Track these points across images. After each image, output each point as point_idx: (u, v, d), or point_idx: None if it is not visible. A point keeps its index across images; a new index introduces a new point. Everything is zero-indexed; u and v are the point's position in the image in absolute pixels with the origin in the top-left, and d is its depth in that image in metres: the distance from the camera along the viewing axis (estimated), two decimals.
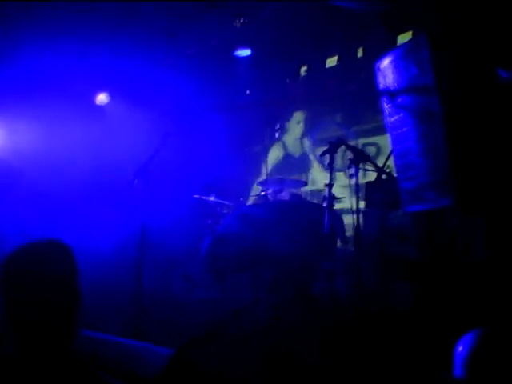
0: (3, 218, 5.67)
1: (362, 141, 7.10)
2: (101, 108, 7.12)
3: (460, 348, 1.71)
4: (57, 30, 5.70)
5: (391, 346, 3.40)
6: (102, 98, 7.12)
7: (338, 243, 5.11)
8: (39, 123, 6.17)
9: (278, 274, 4.13)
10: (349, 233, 5.25)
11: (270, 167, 7.33)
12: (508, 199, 2.95)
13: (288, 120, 8.11)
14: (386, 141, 6.50)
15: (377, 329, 3.58)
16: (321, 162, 7.30)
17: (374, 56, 3.85)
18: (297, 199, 5.80)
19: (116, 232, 5.84)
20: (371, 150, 6.89)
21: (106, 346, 2.11)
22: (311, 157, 7.84)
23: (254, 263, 4.46)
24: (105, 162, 6.36)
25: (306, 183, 6.30)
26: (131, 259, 3.95)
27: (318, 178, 7.46)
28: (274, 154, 8.18)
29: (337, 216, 5.19)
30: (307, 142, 7.91)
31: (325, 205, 3.85)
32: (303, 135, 8.01)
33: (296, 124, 8.10)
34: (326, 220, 3.57)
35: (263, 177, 6.30)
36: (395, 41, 6.15)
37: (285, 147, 8.17)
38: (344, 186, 6.00)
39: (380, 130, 6.68)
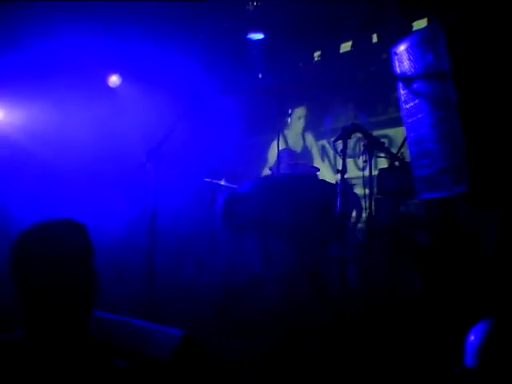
0: (16, 199, 5.70)
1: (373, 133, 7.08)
2: (113, 90, 7.12)
3: (472, 337, 1.70)
4: (70, 12, 5.69)
5: (400, 335, 3.41)
6: (114, 79, 7.11)
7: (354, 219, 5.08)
8: (52, 104, 6.18)
9: (287, 248, 4.12)
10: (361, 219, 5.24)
11: (272, 159, 7.32)
12: None
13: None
14: (397, 133, 6.50)
15: (386, 317, 3.58)
16: (333, 148, 7.27)
17: (390, 42, 3.81)
18: (312, 176, 5.79)
19: (128, 214, 5.87)
20: None
21: (118, 327, 2.13)
22: (314, 150, 7.84)
23: (264, 226, 4.46)
24: (117, 144, 6.37)
25: (318, 169, 6.29)
26: (142, 241, 3.96)
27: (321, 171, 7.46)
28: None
29: (353, 197, 5.16)
30: (309, 136, 7.92)
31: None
32: (304, 130, 8.00)
33: (297, 119, 8.10)
34: (338, 204, 3.56)
35: (273, 163, 6.29)
36: (411, 27, 6.09)
37: (286, 142, 8.16)
38: (354, 178, 6.00)
39: (391, 123, 6.66)
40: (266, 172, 7.36)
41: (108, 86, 7.11)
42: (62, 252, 1.60)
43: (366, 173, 4.22)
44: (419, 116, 3.40)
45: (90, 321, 1.65)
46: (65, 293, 1.58)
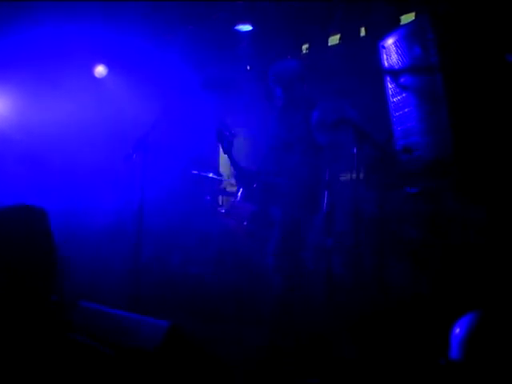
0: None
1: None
2: (99, 80, 7.06)
3: (457, 330, 1.72)
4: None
5: (386, 327, 3.43)
6: (100, 69, 7.05)
7: None
8: (37, 94, 6.11)
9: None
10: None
11: None
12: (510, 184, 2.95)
13: None
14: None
15: (372, 309, 3.60)
16: None
17: (377, 35, 3.81)
18: None
19: (115, 206, 5.84)
20: None
21: (104, 317, 2.12)
22: None
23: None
24: (103, 134, 6.32)
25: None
26: (129, 232, 3.95)
27: None
28: None
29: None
30: None
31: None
32: None
33: None
34: (325, 198, 3.57)
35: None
36: (399, 21, 6.09)
37: None
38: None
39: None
40: None
41: (94, 76, 7.04)
42: (13, 236, 1.64)
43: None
44: (406, 110, 3.42)
45: (52, 304, 1.68)
46: (18, 275, 1.62)
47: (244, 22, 6.83)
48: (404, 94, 3.43)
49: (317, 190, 3.96)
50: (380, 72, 3.67)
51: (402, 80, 3.42)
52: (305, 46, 7.39)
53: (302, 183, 4.11)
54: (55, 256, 1.70)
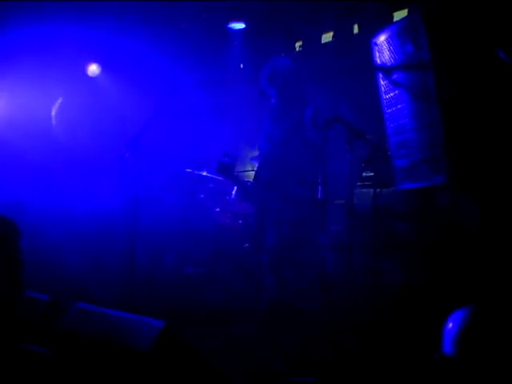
0: None
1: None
2: (92, 79, 7.05)
3: (450, 325, 1.72)
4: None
5: (380, 323, 3.44)
6: (93, 68, 7.04)
7: None
8: (29, 92, 6.10)
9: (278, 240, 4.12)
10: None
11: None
12: (504, 180, 2.96)
13: None
14: None
15: (366, 305, 3.61)
16: None
17: (370, 32, 3.81)
18: None
19: (108, 205, 5.83)
20: None
21: (97, 317, 2.11)
22: None
23: None
24: (96, 133, 6.31)
25: None
26: (123, 233, 3.95)
27: None
28: None
29: None
30: None
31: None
32: None
33: None
34: (319, 196, 3.57)
35: (256, 153, 6.27)
36: (391, 18, 6.10)
37: None
38: None
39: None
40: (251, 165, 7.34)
41: (87, 75, 7.03)
42: None
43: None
44: (399, 106, 3.41)
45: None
46: None
47: (237, 20, 6.83)
48: (396, 91, 3.43)
49: (313, 189, 3.98)
50: (373, 69, 3.67)
51: (394, 77, 3.42)
52: (298, 44, 7.40)
53: (299, 181, 4.11)
54: (20, 272, 1.73)
